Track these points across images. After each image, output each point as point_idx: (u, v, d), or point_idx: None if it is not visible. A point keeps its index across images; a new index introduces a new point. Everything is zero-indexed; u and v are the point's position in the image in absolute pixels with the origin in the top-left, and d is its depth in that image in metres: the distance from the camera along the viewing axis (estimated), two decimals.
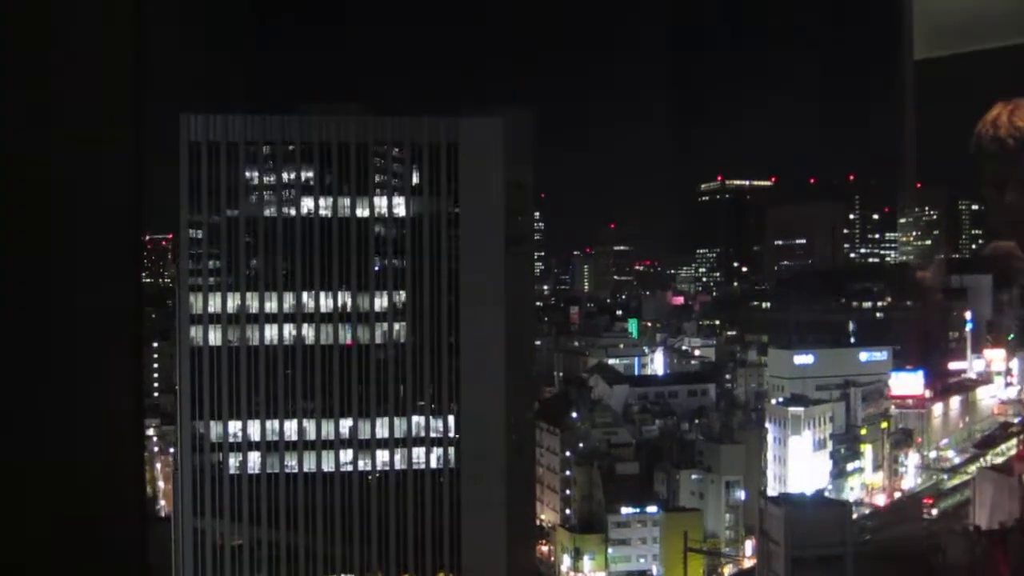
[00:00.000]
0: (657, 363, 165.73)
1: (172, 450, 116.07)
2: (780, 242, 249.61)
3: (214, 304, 77.36)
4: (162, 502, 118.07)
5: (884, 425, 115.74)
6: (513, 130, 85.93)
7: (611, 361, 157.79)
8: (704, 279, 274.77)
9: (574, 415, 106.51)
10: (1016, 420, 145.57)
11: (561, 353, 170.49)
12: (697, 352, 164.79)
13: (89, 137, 3.91)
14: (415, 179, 79.79)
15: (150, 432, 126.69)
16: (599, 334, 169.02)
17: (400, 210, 79.63)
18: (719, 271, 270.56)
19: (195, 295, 77.39)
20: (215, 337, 77.37)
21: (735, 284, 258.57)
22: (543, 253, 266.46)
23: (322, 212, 78.80)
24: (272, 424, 77.76)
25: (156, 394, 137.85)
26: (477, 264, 79.40)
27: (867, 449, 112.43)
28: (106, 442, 4.10)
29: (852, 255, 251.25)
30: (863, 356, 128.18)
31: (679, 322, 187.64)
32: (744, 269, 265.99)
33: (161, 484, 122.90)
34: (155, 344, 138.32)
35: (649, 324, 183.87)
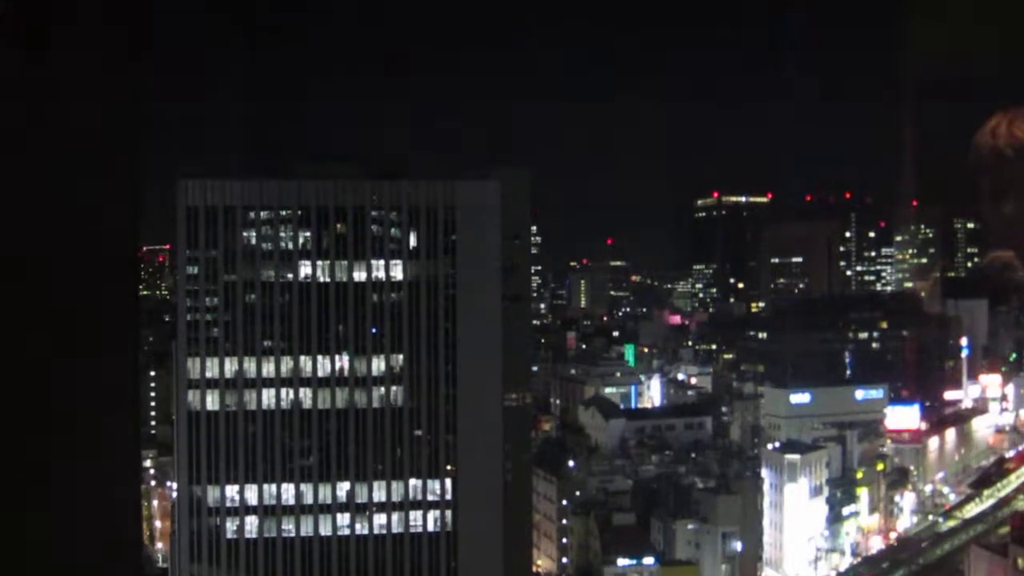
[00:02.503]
0: (654, 390, 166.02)
1: (169, 483, 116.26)
2: (776, 260, 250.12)
3: (212, 368, 77.41)
4: (159, 544, 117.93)
5: (880, 467, 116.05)
6: (511, 183, 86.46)
7: (608, 390, 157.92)
8: (700, 295, 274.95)
9: (571, 464, 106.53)
10: (1010, 453, 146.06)
11: (558, 380, 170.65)
12: (694, 380, 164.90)
13: (89, 159, 3.99)
14: (413, 242, 79.83)
15: (147, 463, 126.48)
16: (596, 362, 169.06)
17: (398, 273, 79.65)
18: (716, 287, 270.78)
19: (193, 359, 77.43)
20: (213, 401, 77.44)
21: (732, 300, 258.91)
22: (539, 267, 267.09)
23: (320, 276, 78.84)
24: (270, 488, 77.84)
25: (153, 423, 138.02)
26: (475, 326, 79.44)
27: (863, 492, 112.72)
28: (103, 473, 4.11)
29: (848, 273, 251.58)
30: (859, 394, 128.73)
31: (676, 346, 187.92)
32: (740, 285, 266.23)
33: (158, 523, 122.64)
34: (152, 372, 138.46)
35: (646, 350, 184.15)
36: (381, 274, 79.51)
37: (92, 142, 3.98)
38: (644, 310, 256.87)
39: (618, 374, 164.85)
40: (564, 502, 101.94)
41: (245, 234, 78.33)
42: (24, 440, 3.74)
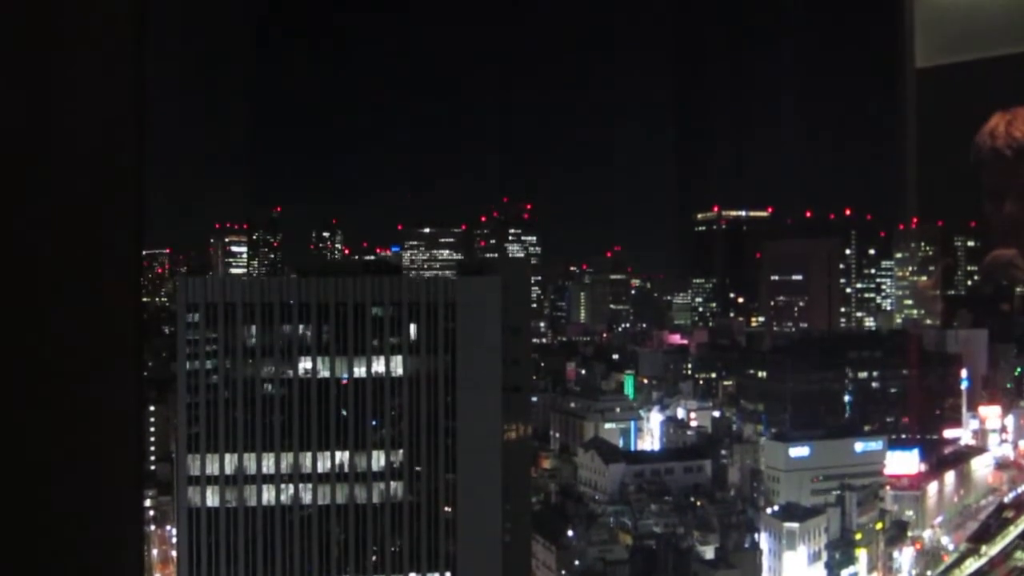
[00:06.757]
0: (654, 423, 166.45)
1: (169, 527, 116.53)
2: (776, 277, 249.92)
3: (212, 465, 77.52)
4: None
5: (879, 526, 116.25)
6: (511, 274, 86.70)
7: (607, 426, 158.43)
8: (700, 309, 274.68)
9: (570, 533, 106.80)
10: (1010, 496, 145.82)
11: (558, 414, 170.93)
12: (693, 415, 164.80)
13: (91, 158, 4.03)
14: (412, 336, 79.83)
15: (146, 503, 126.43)
16: (595, 396, 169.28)
17: (398, 368, 79.69)
18: (715, 301, 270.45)
19: (193, 456, 77.53)
20: (213, 497, 77.59)
21: (731, 315, 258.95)
22: (539, 277, 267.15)
23: (320, 371, 78.89)
24: None
25: (152, 458, 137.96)
26: (474, 419, 79.60)
27: (862, 552, 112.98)
28: (104, 474, 4.14)
29: (848, 290, 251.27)
30: (859, 446, 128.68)
31: (675, 376, 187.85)
32: (740, 300, 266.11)
33: (158, 575, 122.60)
34: (151, 408, 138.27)
35: (645, 380, 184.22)
36: (381, 369, 79.58)
37: (93, 142, 4.00)
38: (644, 325, 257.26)
39: (618, 409, 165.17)
40: (563, 572, 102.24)
41: (245, 330, 78.33)
42: (24, 441, 3.77)
